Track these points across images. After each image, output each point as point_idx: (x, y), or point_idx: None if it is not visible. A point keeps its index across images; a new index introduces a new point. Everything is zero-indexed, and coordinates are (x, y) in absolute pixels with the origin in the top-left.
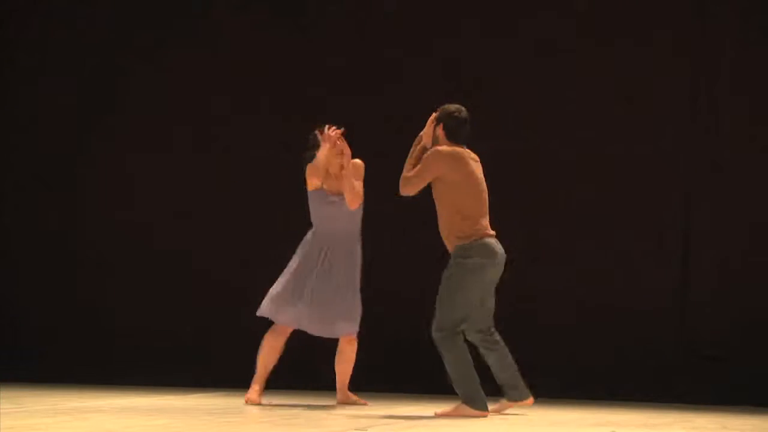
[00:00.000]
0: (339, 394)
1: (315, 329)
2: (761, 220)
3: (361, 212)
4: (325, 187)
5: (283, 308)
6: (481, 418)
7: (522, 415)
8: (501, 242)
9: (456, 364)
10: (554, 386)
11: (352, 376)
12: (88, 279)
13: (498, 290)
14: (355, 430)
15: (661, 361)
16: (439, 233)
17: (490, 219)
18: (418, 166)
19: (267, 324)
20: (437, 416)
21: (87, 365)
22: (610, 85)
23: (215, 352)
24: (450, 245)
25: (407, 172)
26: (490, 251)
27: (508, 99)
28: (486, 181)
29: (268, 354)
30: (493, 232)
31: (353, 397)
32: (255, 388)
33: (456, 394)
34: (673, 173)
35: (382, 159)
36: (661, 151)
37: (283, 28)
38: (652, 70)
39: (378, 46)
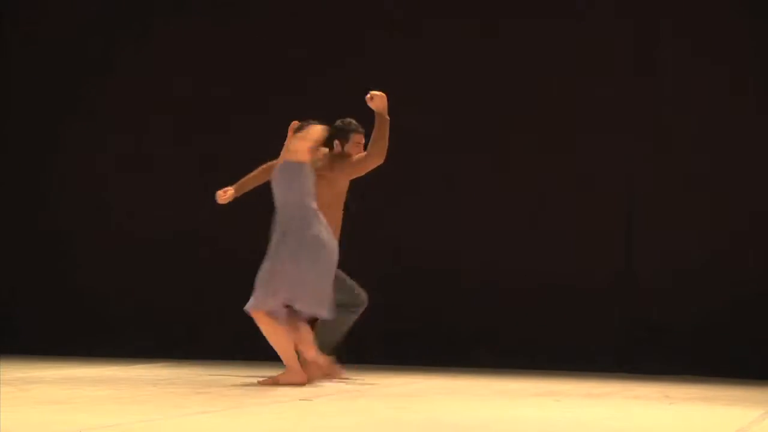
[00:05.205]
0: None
1: None
2: (705, 192)
3: None
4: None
5: None
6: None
7: (465, 385)
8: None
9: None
10: (497, 356)
11: None
12: (48, 248)
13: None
14: (300, 400)
15: (605, 330)
16: None
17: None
18: None
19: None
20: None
21: (33, 336)
22: (558, 61)
23: (162, 323)
24: None
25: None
26: None
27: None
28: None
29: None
30: None
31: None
32: None
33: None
34: (618, 151)
35: None
36: (607, 126)
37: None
38: (596, 40)
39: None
